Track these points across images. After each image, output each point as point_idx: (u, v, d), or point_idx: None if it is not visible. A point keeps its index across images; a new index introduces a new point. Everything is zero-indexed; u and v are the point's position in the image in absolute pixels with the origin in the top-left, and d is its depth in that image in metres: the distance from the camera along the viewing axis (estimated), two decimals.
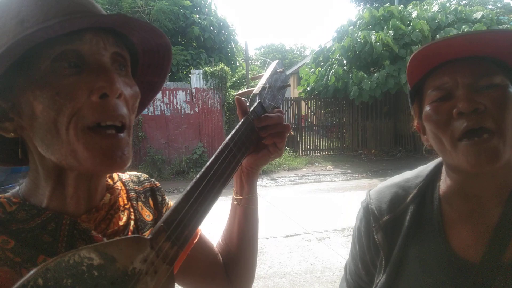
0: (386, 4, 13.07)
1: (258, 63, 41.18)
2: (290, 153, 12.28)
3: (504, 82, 0.73)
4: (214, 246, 0.92)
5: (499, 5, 16.33)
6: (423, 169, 0.93)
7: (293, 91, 19.73)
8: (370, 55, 11.61)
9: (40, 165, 0.61)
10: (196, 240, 0.85)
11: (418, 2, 13.20)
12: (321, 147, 13.87)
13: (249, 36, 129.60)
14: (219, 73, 10.93)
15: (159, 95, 10.40)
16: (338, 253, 4.70)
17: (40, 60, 0.54)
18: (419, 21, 11.41)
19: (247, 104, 0.82)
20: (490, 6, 14.74)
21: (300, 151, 13.36)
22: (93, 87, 0.55)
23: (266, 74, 0.90)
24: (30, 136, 0.58)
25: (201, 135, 10.94)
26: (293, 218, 6.22)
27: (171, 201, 0.81)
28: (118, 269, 0.49)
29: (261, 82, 0.87)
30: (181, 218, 0.59)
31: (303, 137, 13.66)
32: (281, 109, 0.87)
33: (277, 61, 0.96)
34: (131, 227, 0.71)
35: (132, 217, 0.72)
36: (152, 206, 0.81)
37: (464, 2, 16.01)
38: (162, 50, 0.67)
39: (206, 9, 15.83)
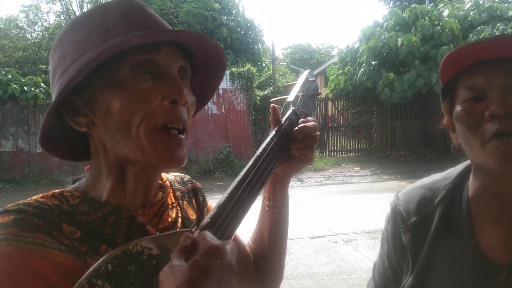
0: (413, 5, 12.75)
1: (285, 63, 41.12)
2: (316, 154, 12.16)
3: None
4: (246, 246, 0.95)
5: None
6: (452, 171, 0.93)
7: (320, 91, 19.58)
8: (397, 56, 11.39)
9: (104, 160, 0.67)
10: (232, 239, 0.88)
11: (448, 1, 12.84)
12: (348, 148, 13.71)
13: (275, 36, 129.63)
14: (246, 73, 11.00)
15: None
16: (365, 255, 4.64)
17: (120, 66, 0.62)
18: (449, 20, 11.09)
19: (281, 111, 0.85)
20: None
21: (327, 152, 13.25)
22: (166, 94, 0.63)
23: (299, 83, 0.93)
24: (99, 131, 0.65)
25: (227, 135, 11.04)
26: (319, 219, 6.19)
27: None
28: None
29: (294, 90, 0.91)
30: (225, 215, 0.62)
31: (330, 138, 13.54)
32: (316, 123, 0.88)
33: (308, 70, 1.00)
34: (178, 224, 0.76)
35: (179, 214, 0.78)
36: (195, 206, 0.87)
37: None
38: (219, 68, 0.78)
39: (234, 10, 15.95)
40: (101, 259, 0.46)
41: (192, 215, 0.82)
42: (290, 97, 0.88)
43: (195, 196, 0.88)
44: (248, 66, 11.33)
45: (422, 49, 11.08)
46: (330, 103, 14.01)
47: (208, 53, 0.73)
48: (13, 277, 0.53)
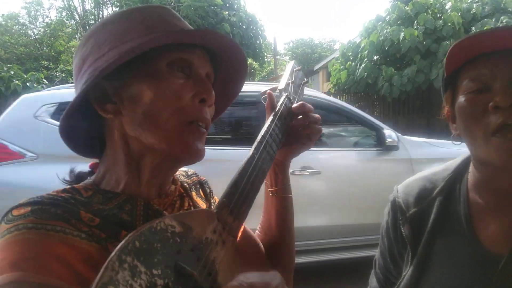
0: None
1: (287, 58, 40.99)
2: None
3: None
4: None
5: None
6: (452, 162, 0.93)
7: (322, 86, 19.52)
8: (399, 51, 11.33)
9: (124, 151, 0.68)
10: (241, 229, 0.91)
11: None
12: None
13: (277, 30, 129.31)
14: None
15: None
16: None
17: (158, 60, 0.65)
18: (451, 14, 11.00)
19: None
20: None
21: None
22: (197, 92, 0.67)
23: (287, 72, 0.96)
24: (124, 120, 0.66)
25: None
26: None
27: None
28: (194, 237, 0.53)
29: (284, 78, 0.94)
30: (239, 195, 0.64)
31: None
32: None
33: (293, 61, 1.04)
34: None
35: (191, 203, 0.80)
36: (203, 196, 0.89)
37: None
38: (238, 83, 0.83)
39: (235, 5, 15.89)
40: (128, 236, 0.46)
41: (202, 205, 0.84)
42: (281, 85, 0.91)
43: (202, 188, 0.91)
44: (249, 61, 11.31)
45: (424, 43, 11.01)
46: (332, 98, 13.94)
47: (234, 67, 0.77)
48: (37, 262, 0.52)
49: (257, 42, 16.43)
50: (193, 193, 0.85)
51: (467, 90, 0.76)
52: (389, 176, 3.70)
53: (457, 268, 0.80)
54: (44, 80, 10.67)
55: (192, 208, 0.79)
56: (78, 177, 0.75)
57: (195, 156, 0.68)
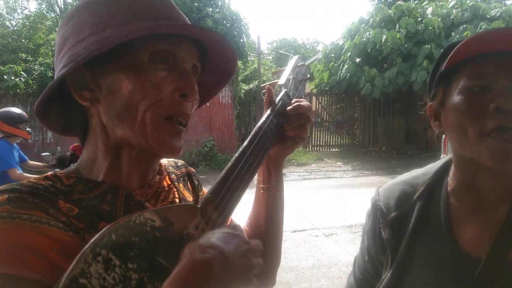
0: (399, 2, 12.86)
1: (270, 57, 41.04)
2: (300, 149, 12.23)
3: None
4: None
5: None
6: (432, 166, 0.93)
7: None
8: (381, 53, 11.51)
9: (102, 140, 0.67)
10: (228, 223, 0.89)
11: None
12: (331, 143, 13.82)
13: (261, 30, 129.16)
14: None
15: None
16: (345, 249, 4.70)
17: (140, 50, 0.62)
18: (432, 18, 11.23)
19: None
20: (509, 2, 14.42)
21: (310, 147, 13.33)
22: (178, 86, 0.64)
23: (289, 67, 0.95)
24: (101, 109, 0.65)
25: (211, 128, 10.99)
26: (301, 213, 6.23)
27: None
28: (175, 232, 0.52)
29: (285, 74, 0.93)
30: (226, 190, 0.62)
31: (313, 133, 13.61)
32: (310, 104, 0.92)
33: (298, 55, 1.01)
34: None
35: (177, 196, 0.78)
36: (191, 189, 0.87)
37: None
38: (226, 75, 0.81)
39: (220, 2, 15.80)
40: (104, 228, 0.45)
41: (189, 197, 0.83)
42: (282, 80, 0.90)
43: (190, 180, 0.89)
44: None
45: (406, 46, 11.20)
46: (314, 98, 14.06)
47: (222, 59, 0.75)
48: (10, 253, 0.51)
49: (241, 40, 16.37)
50: (181, 185, 0.83)
51: (465, 87, 0.74)
52: None
53: (436, 272, 0.80)
54: (22, 73, 10.37)
55: (178, 200, 0.77)
56: (59, 160, 0.74)
57: (170, 153, 0.67)
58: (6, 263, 0.50)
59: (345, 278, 1.11)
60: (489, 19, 11.44)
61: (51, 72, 10.65)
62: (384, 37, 11.31)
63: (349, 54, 12.37)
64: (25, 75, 10.40)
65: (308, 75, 1.03)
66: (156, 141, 0.64)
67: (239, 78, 11.74)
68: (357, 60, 12.38)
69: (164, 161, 0.86)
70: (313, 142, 13.50)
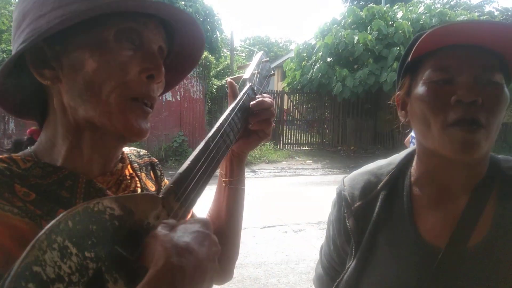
0: (371, 4, 13.15)
1: (243, 54, 40.99)
2: (270, 146, 12.30)
3: (502, 81, 0.73)
4: None
5: (485, 9, 16.69)
6: (396, 156, 0.95)
7: (277, 85, 19.71)
8: (352, 54, 11.72)
9: (61, 122, 0.64)
10: (190, 215, 0.87)
11: (403, 3, 13.35)
12: (302, 142, 13.95)
13: (235, 26, 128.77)
14: (203, 61, 10.82)
15: None
16: (313, 245, 4.76)
17: (105, 27, 0.60)
18: (402, 22, 11.55)
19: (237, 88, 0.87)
20: (477, 13, 15.03)
21: (281, 145, 13.41)
22: (146, 67, 0.62)
23: (254, 62, 0.95)
24: (63, 89, 0.61)
25: (182, 123, 10.83)
26: (270, 210, 6.25)
27: None
28: (135, 222, 0.51)
29: (250, 68, 0.93)
30: (189, 181, 0.61)
31: (285, 131, 13.70)
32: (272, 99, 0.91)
33: (262, 52, 1.02)
34: None
35: (138, 185, 0.76)
36: (153, 178, 0.85)
37: (448, 6, 16.28)
38: (192, 61, 0.79)
39: None
40: (61, 215, 0.42)
41: (151, 187, 0.81)
42: (246, 74, 0.90)
43: (153, 170, 0.87)
44: (205, 54, 11.15)
45: (376, 47, 11.46)
46: (286, 97, 14.15)
47: (189, 42, 0.73)
48: None
49: (214, 35, 16.27)
50: (143, 174, 0.81)
51: (430, 79, 0.75)
52: None
53: (398, 260, 0.81)
54: None
55: (140, 189, 0.75)
56: (15, 145, 0.70)
57: (136, 135, 0.64)
58: None
59: (313, 273, 1.12)
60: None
61: None
62: (356, 38, 11.52)
63: (320, 53, 12.52)
64: None
65: (273, 72, 1.04)
66: (122, 122, 0.62)
67: (212, 74, 11.63)
68: (329, 60, 12.55)
69: (126, 149, 0.83)
70: (284, 140, 13.59)
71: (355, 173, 0.98)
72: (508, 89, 0.75)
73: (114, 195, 0.66)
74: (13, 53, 0.60)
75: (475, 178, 0.79)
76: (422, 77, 0.77)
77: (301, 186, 8.22)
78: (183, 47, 0.74)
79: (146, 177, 0.82)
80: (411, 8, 12.87)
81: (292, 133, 13.88)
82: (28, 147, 0.67)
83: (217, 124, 0.73)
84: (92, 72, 0.59)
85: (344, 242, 0.93)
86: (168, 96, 10.61)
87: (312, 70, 12.77)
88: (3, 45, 11.61)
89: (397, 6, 12.98)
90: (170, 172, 9.13)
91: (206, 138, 0.69)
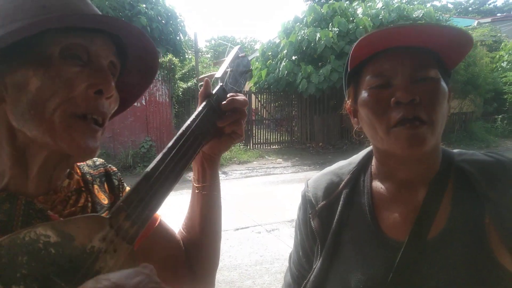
0: (331, 1, 13.38)
1: (209, 55, 40.76)
2: (241, 147, 12.28)
3: (438, 76, 0.76)
4: (176, 233, 0.91)
5: (437, 4, 17.36)
6: (356, 156, 0.97)
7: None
8: (316, 51, 11.88)
9: (7, 142, 0.62)
10: (157, 224, 0.85)
11: (361, 0, 13.68)
12: (272, 141, 14.02)
13: (199, 27, 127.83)
14: (167, 64, 10.67)
15: None
16: (287, 244, 4.78)
17: (50, 44, 0.58)
18: (362, 18, 11.83)
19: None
20: (428, 5, 15.60)
21: (251, 145, 13.42)
22: (93, 83, 0.60)
23: (228, 59, 0.90)
24: (7, 109, 0.60)
25: (148, 128, 10.63)
26: (243, 211, 6.24)
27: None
28: (76, 247, 0.48)
29: (223, 66, 0.87)
30: (141, 197, 0.59)
31: (254, 131, 13.72)
32: (246, 98, 0.86)
33: (238, 46, 0.97)
34: (88, 210, 0.72)
35: (89, 199, 0.73)
36: (107, 190, 0.81)
37: (405, 0, 16.82)
38: (149, 74, 0.76)
39: None
40: None
41: (104, 200, 0.77)
42: (218, 73, 0.86)
43: (108, 180, 0.83)
44: (169, 56, 10.99)
45: (338, 44, 11.66)
46: (253, 97, 14.17)
47: (142, 55, 0.71)
48: None
49: (177, 38, 16.07)
50: (95, 187, 0.77)
51: (369, 85, 0.79)
52: None
53: (362, 257, 0.82)
54: None
55: (90, 204, 0.73)
56: None
57: (83, 153, 0.62)
58: None
59: None
60: (412, 19, 12.28)
61: None
62: (318, 35, 11.68)
63: (285, 52, 12.62)
64: None
65: (251, 67, 0.99)
66: (66, 141, 0.60)
67: (177, 76, 11.46)
68: (294, 58, 12.67)
69: None
70: (254, 140, 13.60)
71: (317, 175, 1.00)
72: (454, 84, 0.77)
73: (57, 217, 0.63)
74: None
75: (430, 172, 0.81)
76: (364, 85, 0.81)
77: (272, 185, 8.25)
78: (137, 61, 0.73)
79: (99, 190, 0.78)
80: (370, 4, 13.19)
81: (262, 133, 13.92)
82: None
83: (182, 129, 0.70)
84: (35, 90, 0.57)
85: (312, 244, 0.94)
86: None
87: (278, 69, 12.84)
88: None
89: (356, 3, 13.27)
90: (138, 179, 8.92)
91: (167, 147, 0.66)
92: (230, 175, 9.49)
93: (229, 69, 0.88)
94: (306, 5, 14.36)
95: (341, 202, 0.89)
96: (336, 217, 0.88)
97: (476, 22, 19.58)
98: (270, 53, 13.81)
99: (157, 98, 10.71)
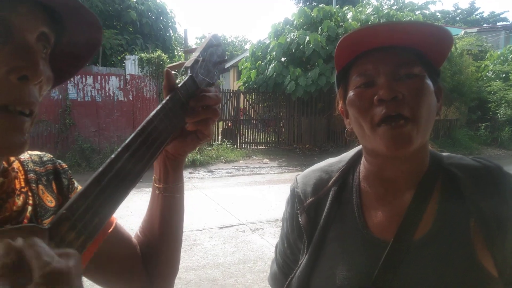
0: (321, 5, 13.44)
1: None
2: (228, 146, 12.25)
3: (422, 72, 0.77)
4: (133, 238, 0.85)
5: (426, 12, 17.61)
6: (346, 154, 0.98)
7: (233, 84, 19.69)
8: (304, 54, 11.93)
9: None
10: (111, 229, 0.78)
11: (351, 6, 13.78)
12: (259, 141, 14.01)
13: (190, 24, 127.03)
14: (156, 60, 10.58)
15: (90, 80, 9.82)
16: (271, 243, 4.79)
17: None
18: (351, 23, 11.91)
19: (178, 78, 0.75)
20: (418, 13, 15.82)
21: (238, 144, 13.39)
22: (15, 66, 0.49)
23: (201, 47, 0.80)
24: None
25: (134, 124, 10.51)
26: (228, 209, 6.22)
27: None
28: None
29: (194, 55, 0.77)
30: (89, 204, 0.50)
31: (241, 130, 13.69)
32: (219, 94, 0.77)
33: (213, 33, 0.85)
34: (27, 214, 0.62)
35: (30, 202, 0.64)
36: (55, 191, 0.71)
37: (395, 7, 17.02)
38: (91, 45, 0.64)
39: None
40: None
41: (50, 202, 0.68)
42: (188, 62, 0.75)
43: (57, 179, 0.73)
44: (158, 52, 10.89)
45: (327, 48, 11.72)
46: (242, 96, 14.15)
47: (83, 25, 0.60)
48: None
49: (167, 34, 15.95)
50: (40, 187, 0.68)
51: (355, 85, 0.80)
52: None
53: (348, 255, 0.83)
54: None
55: (30, 207, 0.63)
56: None
57: (6, 151, 0.53)
58: None
59: None
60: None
61: None
62: (307, 38, 11.73)
63: (274, 53, 12.63)
64: None
65: (226, 58, 0.88)
66: None
67: None
68: (283, 59, 12.69)
69: (24, 155, 0.70)
70: (241, 139, 13.58)
71: (307, 170, 1.00)
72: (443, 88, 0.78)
73: None
74: None
75: (418, 173, 0.82)
76: (351, 85, 0.82)
77: (258, 184, 8.25)
78: (78, 34, 0.61)
79: (45, 190, 0.69)
80: (360, 9, 13.30)
81: (249, 133, 13.91)
82: None
83: (141, 125, 0.61)
84: None
85: (297, 239, 0.94)
86: (120, 96, 10.26)
87: (267, 70, 12.85)
88: None
89: (347, 7, 13.37)
90: None
91: (122, 145, 0.56)
92: (216, 174, 9.46)
93: (200, 58, 0.77)
94: (297, 8, 14.39)
95: (329, 199, 0.90)
96: (324, 214, 0.89)
97: (463, 31, 19.92)
98: (259, 54, 13.81)
99: (145, 94, 10.61)
